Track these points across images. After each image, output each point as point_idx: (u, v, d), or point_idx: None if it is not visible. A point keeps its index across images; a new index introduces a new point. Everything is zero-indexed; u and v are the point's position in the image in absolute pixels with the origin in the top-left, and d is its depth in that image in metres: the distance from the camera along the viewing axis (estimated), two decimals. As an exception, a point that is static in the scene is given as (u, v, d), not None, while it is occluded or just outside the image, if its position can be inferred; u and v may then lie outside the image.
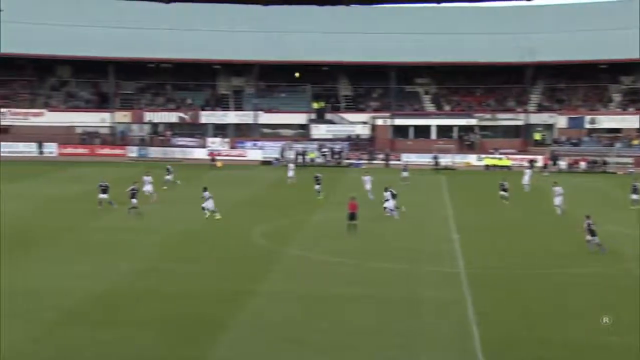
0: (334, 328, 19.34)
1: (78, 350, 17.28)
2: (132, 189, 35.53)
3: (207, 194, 34.66)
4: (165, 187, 43.55)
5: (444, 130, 72.44)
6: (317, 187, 41.40)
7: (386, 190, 35.43)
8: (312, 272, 25.44)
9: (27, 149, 67.83)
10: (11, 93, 72.89)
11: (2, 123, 69.69)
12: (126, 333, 18.48)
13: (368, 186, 41.34)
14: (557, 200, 37.36)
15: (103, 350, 17.30)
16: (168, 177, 45.44)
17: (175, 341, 18.06)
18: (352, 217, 31.41)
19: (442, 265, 26.61)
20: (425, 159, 66.32)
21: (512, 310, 21.05)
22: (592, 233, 27.89)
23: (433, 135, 72.01)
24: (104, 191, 36.64)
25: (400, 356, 17.47)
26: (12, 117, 70.08)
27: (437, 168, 61.34)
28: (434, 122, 72.77)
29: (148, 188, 39.04)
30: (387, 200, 34.95)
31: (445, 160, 64.38)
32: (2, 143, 67.41)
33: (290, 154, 65.42)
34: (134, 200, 35.08)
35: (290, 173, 49.05)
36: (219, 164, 60.44)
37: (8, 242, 28.43)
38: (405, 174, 50.17)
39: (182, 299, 21.52)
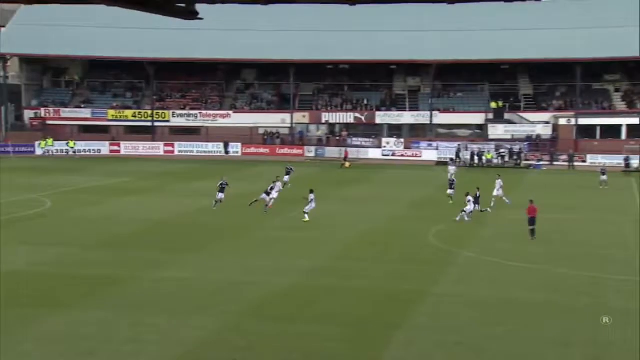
0: (511, 335, 18.76)
1: (266, 343, 18.08)
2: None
3: (312, 196, 33.83)
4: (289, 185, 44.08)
5: (636, 130, 67.21)
6: (449, 191, 39.93)
7: (467, 194, 34.32)
8: (488, 275, 24.86)
9: (215, 148, 72.76)
10: (202, 96, 78.69)
11: (194, 124, 75.42)
12: (309, 328, 19.13)
13: (499, 191, 39.47)
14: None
15: (289, 344, 17.98)
16: (286, 177, 44.86)
17: (354, 338, 18.41)
18: (532, 221, 30.16)
19: (633, 274, 24.82)
20: (614, 161, 62.04)
21: None
22: None
23: (623, 135, 67.10)
24: (222, 190, 36.94)
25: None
26: (203, 118, 75.56)
27: (628, 170, 57.02)
28: (624, 121, 67.88)
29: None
30: (469, 201, 33.75)
31: (637, 162, 59.68)
32: (194, 143, 73.00)
33: (466, 155, 64.14)
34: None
35: (450, 177, 43.98)
36: (347, 164, 60.95)
37: (191, 238, 30.67)
38: (604, 177, 47.91)
39: (359, 297, 21.94)
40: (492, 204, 37.82)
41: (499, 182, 40.58)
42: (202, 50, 72.64)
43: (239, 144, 72.77)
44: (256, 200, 36.07)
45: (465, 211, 33.48)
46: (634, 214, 37.42)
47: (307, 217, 33.12)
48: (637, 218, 35.98)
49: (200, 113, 75.65)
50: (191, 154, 71.47)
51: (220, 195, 36.70)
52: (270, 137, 74.74)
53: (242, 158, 69.91)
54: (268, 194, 36.18)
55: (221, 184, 37.44)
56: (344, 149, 66.63)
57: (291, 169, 46.71)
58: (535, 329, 19.24)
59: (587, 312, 20.63)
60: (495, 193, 39.30)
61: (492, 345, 18.02)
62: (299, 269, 25.26)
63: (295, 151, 72.02)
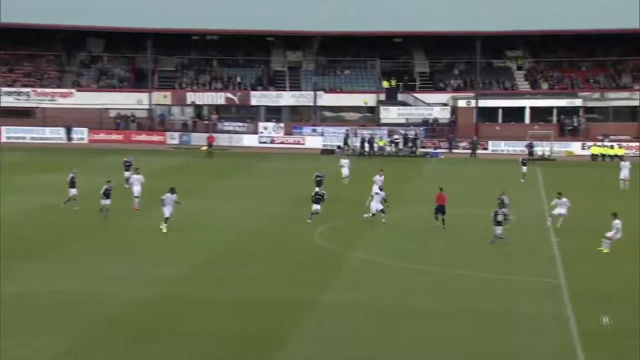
0: (410, 345, 19.49)
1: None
2: None
3: (169, 195, 31.79)
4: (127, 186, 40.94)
5: (540, 113, 71.42)
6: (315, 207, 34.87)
7: (379, 191, 34.98)
8: (383, 279, 25.66)
9: (55, 134, 70.15)
10: (36, 70, 75.42)
11: (27, 105, 72.22)
12: (174, 347, 19.02)
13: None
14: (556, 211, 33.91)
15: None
16: (128, 173, 42.31)
17: (226, 358, 18.51)
18: (440, 210, 32.36)
19: (540, 274, 26.43)
20: (517, 148, 65.53)
21: (624, 330, 20.73)
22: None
23: (527, 119, 71.06)
24: (72, 185, 36.01)
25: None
26: (37, 97, 72.47)
27: (531, 158, 60.49)
28: (528, 103, 71.83)
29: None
30: (373, 195, 34.32)
31: (541, 149, 63.39)
32: (27, 128, 69.87)
33: (356, 142, 65.61)
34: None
35: (345, 171, 45.75)
36: (204, 148, 61.74)
37: (34, 243, 29.58)
38: (524, 168, 49.28)
39: (234, 310, 22.05)
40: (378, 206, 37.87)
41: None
42: (36, 14, 69.48)
43: (85, 129, 70.61)
44: (102, 210, 34.36)
45: (373, 209, 33.55)
46: (538, 208, 39.72)
47: (164, 228, 31.37)
48: (542, 213, 38.23)
49: (33, 91, 72.59)
50: (23, 141, 68.49)
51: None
52: (123, 121, 73.01)
53: (89, 146, 67.88)
54: (107, 196, 34.04)
55: (72, 178, 36.37)
56: (219, 135, 66.24)
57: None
58: (436, 338, 20.09)
59: (493, 318, 21.77)
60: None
61: (388, 357, 18.62)
62: (163, 277, 25.03)
63: (155, 138, 70.81)
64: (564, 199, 33.71)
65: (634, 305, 22.71)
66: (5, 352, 18.10)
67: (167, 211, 31.40)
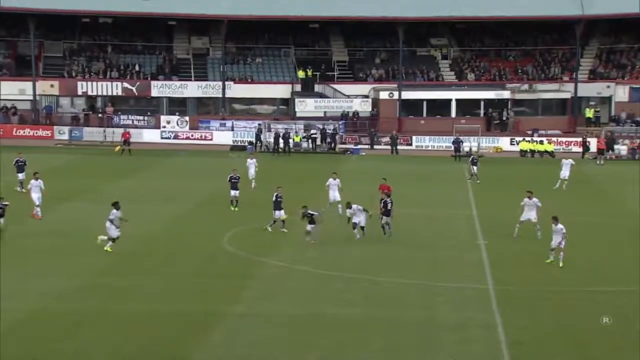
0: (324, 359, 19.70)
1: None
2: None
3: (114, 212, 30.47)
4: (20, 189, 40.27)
5: (467, 106, 73.02)
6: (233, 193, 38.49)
7: (349, 206, 32.65)
8: (299, 287, 25.82)
9: None
10: None
11: None
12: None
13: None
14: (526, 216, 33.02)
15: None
16: (21, 175, 41.45)
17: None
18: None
19: (466, 280, 27.08)
20: (442, 143, 66.78)
21: (553, 338, 21.47)
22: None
23: (453, 112, 72.51)
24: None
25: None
26: None
27: (458, 155, 61.82)
28: (454, 95, 73.30)
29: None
30: (353, 214, 32.41)
31: (468, 145, 64.83)
32: None
33: (269, 137, 65.69)
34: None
35: (252, 171, 44.60)
36: (117, 148, 60.47)
37: None
38: (474, 168, 48.99)
39: (130, 325, 21.86)
40: None
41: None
42: None
43: (-42, 123, 68.47)
44: None
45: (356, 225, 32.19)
46: (464, 207, 40.68)
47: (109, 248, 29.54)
48: (468, 212, 39.17)
49: None
50: None
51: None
52: (3, 114, 71.11)
53: (-36, 142, 65.74)
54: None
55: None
56: (122, 130, 64.69)
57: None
58: (352, 351, 20.35)
59: (416, 329, 22.20)
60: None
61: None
62: (46, 289, 24.64)
63: (41, 132, 69.28)
64: (535, 199, 32.61)
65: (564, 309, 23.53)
66: None
67: (113, 232, 29.45)
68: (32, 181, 36.17)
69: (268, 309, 23.42)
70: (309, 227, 31.24)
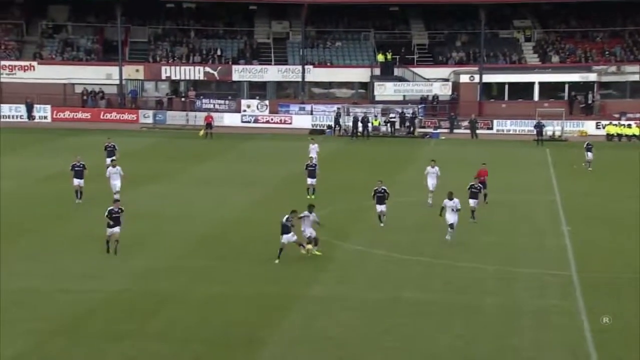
0: (404, 346, 19.51)
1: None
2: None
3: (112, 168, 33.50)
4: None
5: (550, 89, 71.47)
6: (310, 181, 37.43)
7: (451, 197, 29.22)
8: (376, 272, 25.71)
9: (14, 112, 69.68)
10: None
11: (-17, 80, 71.71)
12: (144, 347, 19.09)
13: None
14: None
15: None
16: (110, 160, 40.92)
17: (203, 358, 18.56)
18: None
19: (548, 266, 26.50)
20: (524, 127, 65.58)
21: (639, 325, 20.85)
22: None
23: (536, 95, 71.12)
24: (79, 175, 35.23)
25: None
26: (-5, 71, 71.94)
27: (540, 139, 60.58)
28: (537, 78, 71.85)
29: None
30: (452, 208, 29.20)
31: (552, 128, 63.45)
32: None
33: (348, 121, 65.52)
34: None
35: (312, 155, 42.16)
36: (201, 132, 60.87)
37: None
38: (589, 154, 47.25)
39: (212, 306, 22.14)
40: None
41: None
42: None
43: (48, 107, 70.19)
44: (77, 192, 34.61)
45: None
46: (548, 194, 39.83)
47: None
48: (552, 198, 38.35)
49: (-9, 64, 72.04)
50: (-21, 119, 68.06)
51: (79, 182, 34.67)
52: (91, 98, 72.64)
53: (53, 125, 67.54)
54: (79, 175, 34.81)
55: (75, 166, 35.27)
56: (205, 114, 65.49)
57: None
58: (429, 337, 20.12)
59: (495, 315, 21.83)
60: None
61: (378, 359, 18.62)
62: (130, 271, 25.00)
63: (126, 116, 70.47)
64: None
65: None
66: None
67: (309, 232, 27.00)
68: (110, 169, 36.02)
69: (345, 292, 23.37)
70: (283, 238, 26.25)
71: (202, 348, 19.11)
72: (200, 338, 19.74)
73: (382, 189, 31.36)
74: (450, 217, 29.00)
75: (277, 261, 26.08)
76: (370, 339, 19.86)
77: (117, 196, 33.38)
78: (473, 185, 32.52)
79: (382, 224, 31.46)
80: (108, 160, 40.86)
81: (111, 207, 26.63)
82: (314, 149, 43.79)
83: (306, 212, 26.92)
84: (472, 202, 32.16)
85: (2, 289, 22.81)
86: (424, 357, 18.92)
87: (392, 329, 20.53)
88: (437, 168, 35.95)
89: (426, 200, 35.09)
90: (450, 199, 29.06)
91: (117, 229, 26.38)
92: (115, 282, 24.00)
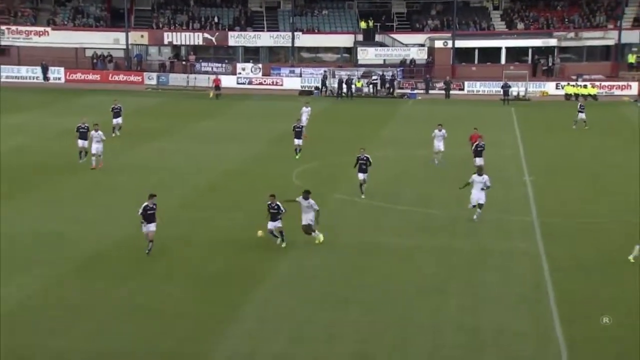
0: (382, 284, 19.75)
1: (99, 300, 18.20)
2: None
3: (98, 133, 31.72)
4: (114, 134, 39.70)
5: (516, 53, 71.15)
6: (297, 141, 35.63)
7: (480, 172, 25.98)
8: (359, 219, 25.86)
9: (30, 73, 68.96)
10: (9, 7, 73.49)
11: (1, 43, 70.66)
12: (151, 284, 19.25)
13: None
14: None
15: (127, 302, 18.12)
16: (116, 120, 40.74)
17: (205, 294, 18.80)
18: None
19: (512, 212, 26.66)
20: (492, 88, 65.48)
21: (593, 266, 21.08)
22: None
23: (503, 59, 70.83)
24: (84, 136, 33.19)
25: (461, 318, 17.75)
26: (12, 36, 70.91)
27: (506, 99, 60.48)
28: (504, 43, 71.41)
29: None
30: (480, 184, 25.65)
31: (516, 89, 63.36)
32: (2, 67, 68.53)
33: (334, 83, 65.16)
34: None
35: (304, 118, 40.33)
36: (211, 94, 60.50)
37: (10, 183, 29.35)
38: (582, 115, 45.91)
39: (212, 250, 22.33)
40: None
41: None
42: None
43: (62, 69, 69.41)
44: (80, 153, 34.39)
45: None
46: (511, 147, 39.92)
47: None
48: (515, 152, 38.46)
49: (8, 29, 70.95)
50: (-2, 80, 67.24)
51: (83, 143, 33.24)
52: (101, 61, 71.88)
53: (66, 86, 66.91)
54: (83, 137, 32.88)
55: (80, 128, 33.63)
56: (206, 76, 64.78)
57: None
58: (407, 276, 20.34)
59: (464, 255, 22.05)
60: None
61: (361, 296, 18.91)
62: (136, 218, 24.97)
63: (132, 78, 69.83)
64: None
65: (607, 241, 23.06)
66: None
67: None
68: (92, 132, 32.61)
69: (331, 238, 23.42)
70: (270, 224, 22.50)
71: (199, 285, 19.26)
72: (205, 276, 19.90)
73: (365, 156, 28.19)
74: (478, 196, 25.23)
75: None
76: (352, 278, 20.04)
77: (93, 159, 32.20)
78: (478, 144, 31.73)
79: (362, 196, 28.07)
80: (114, 121, 40.35)
81: (146, 203, 22.05)
82: (306, 112, 42.31)
83: (300, 198, 23.16)
84: (478, 160, 31.02)
85: (17, 232, 22.84)
86: (402, 294, 19.12)
87: (372, 269, 20.74)
88: (444, 131, 34.40)
89: (432, 160, 34.24)
90: (480, 174, 25.48)
91: (152, 226, 21.81)
92: (123, 227, 24.00)
